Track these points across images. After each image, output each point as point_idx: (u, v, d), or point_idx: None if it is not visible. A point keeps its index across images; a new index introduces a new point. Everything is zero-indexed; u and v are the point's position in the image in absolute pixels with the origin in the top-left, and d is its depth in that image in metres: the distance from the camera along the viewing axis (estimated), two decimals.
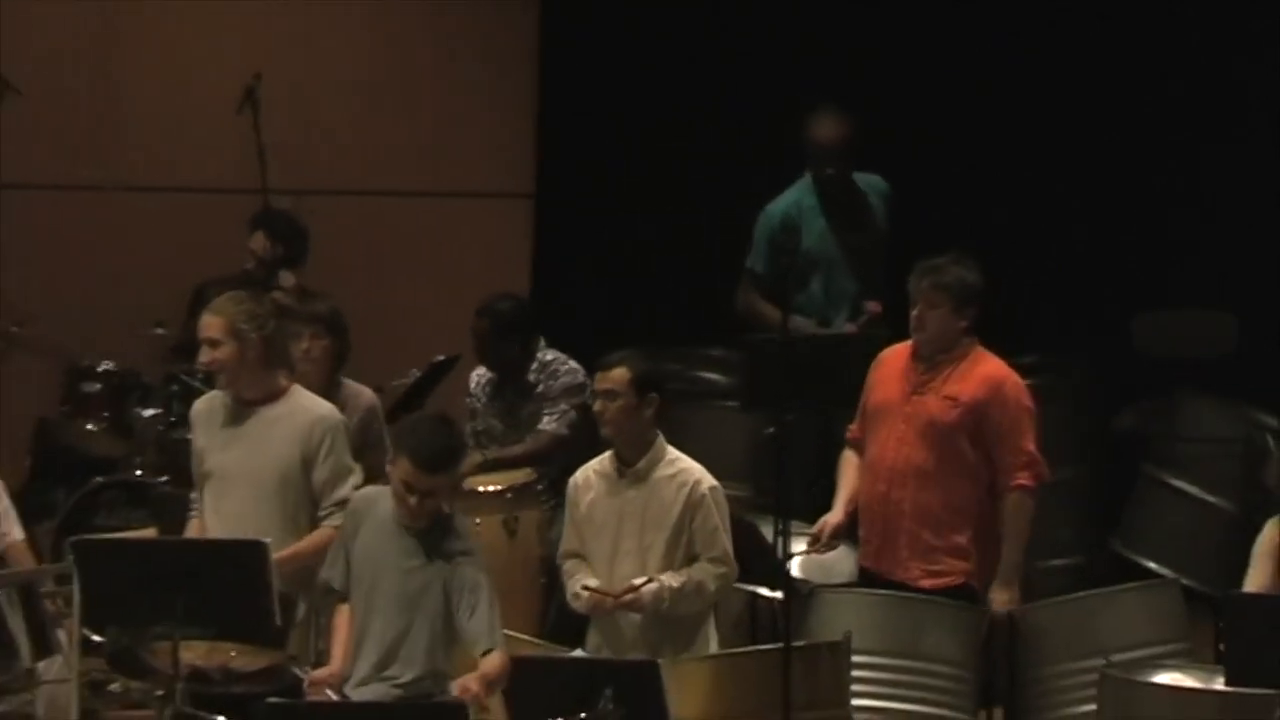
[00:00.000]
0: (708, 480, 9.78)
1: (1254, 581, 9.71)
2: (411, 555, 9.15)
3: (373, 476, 10.45)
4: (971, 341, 10.29)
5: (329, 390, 10.89)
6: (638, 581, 9.65)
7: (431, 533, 9.16)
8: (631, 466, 9.78)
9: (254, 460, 10.09)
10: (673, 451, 9.86)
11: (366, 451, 10.83)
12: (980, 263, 11.55)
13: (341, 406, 10.77)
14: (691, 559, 9.75)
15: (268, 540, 9.45)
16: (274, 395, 10.14)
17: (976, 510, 10.19)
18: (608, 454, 9.93)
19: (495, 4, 14.72)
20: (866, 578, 10.37)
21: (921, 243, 11.63)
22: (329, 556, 9.51)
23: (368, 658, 9.17)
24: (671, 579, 9.63)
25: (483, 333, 12.02)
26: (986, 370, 10.24)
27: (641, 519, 9.79)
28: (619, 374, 9.73)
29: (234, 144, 13.40)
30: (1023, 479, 10.12)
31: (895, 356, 10.42)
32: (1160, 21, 13.95)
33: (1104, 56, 14.04)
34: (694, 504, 9.73)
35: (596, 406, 9.91)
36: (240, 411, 10.08)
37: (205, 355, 10.18)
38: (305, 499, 9.98)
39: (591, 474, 9.94)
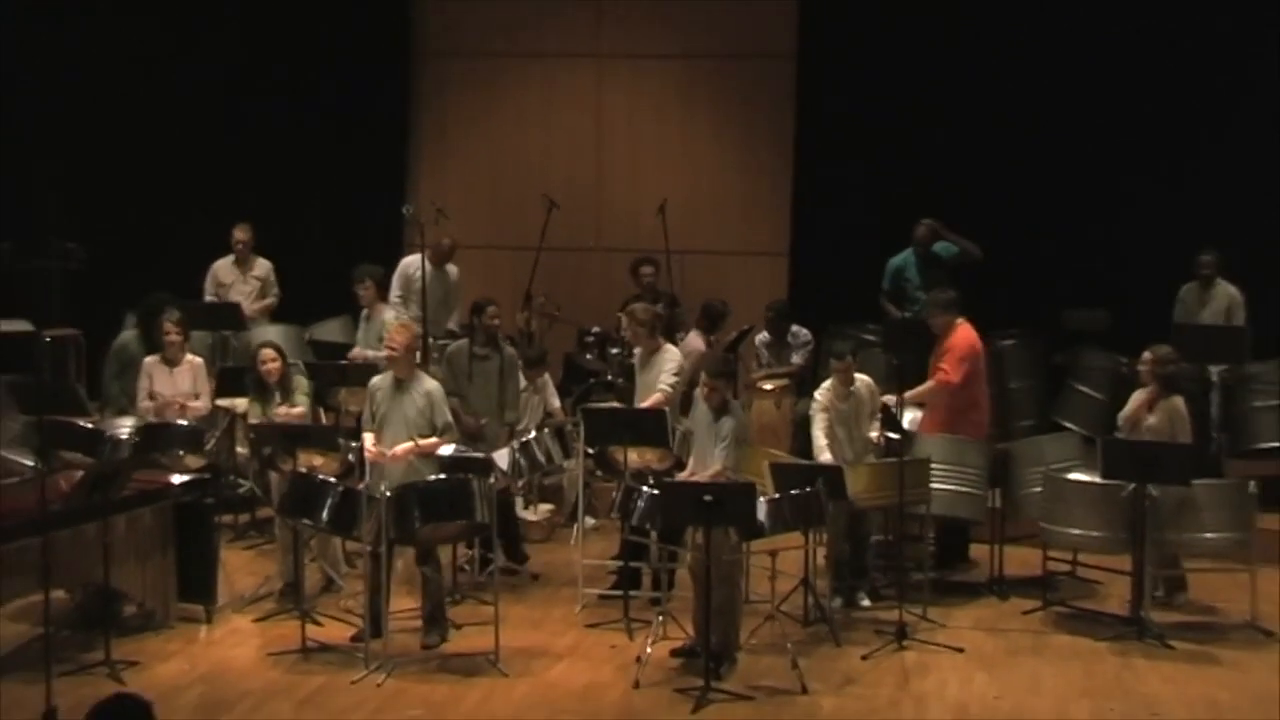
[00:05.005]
0: (870, 381, 9.92)
1: (1125, 410, 9.80)
2: (711, 419, 9.18)
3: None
4: (959, 323, 10.23)
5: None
6: (874, 434, 9.83)
7: (721, 408, 9.17)
8: (850, 386, 9.83)
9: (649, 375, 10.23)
10: (859, 375, 9.94)
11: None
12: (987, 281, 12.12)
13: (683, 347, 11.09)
14: (871, 417, 9.88)
15: (666, 408, 9.72)
16: (658, 347, 10.26)
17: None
18: (831, 381, 9.88)
19: (764, 131, 14.25)
20: None
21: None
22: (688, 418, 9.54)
23: (697, 466, 9.27)
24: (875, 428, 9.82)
25: (770, 317, 12.27)
26: (958, 336, 10.25)
27: (858, 410, 9.83)
28: (850, 361, 9.83)
29: (653, 226, 13.33)
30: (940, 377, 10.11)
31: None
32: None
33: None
34: (874, 394, 9.90)
35: (845, 371, 9.77)
36: (645, 358, 10.26)
37: (627, 331, 10.64)
38: None
39: (829, 392, 9.85)
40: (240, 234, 12.76)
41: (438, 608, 9.10)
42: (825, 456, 9.65)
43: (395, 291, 12.31)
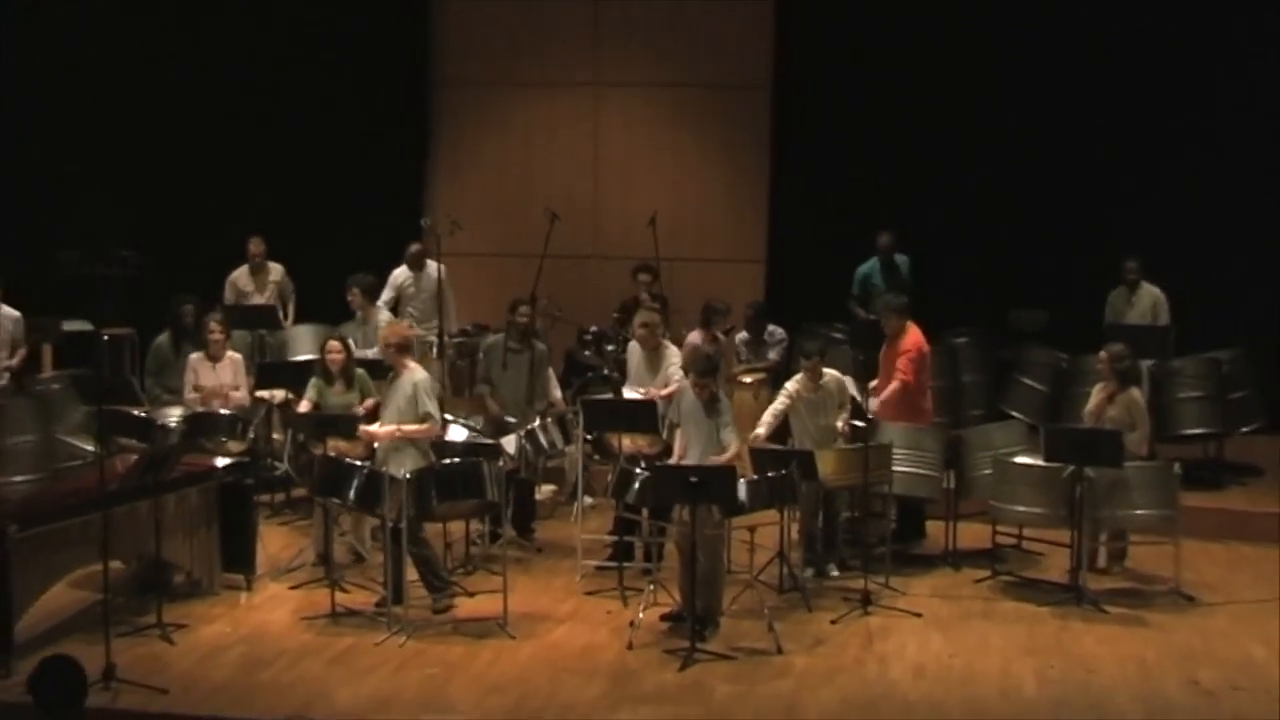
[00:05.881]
0: (840, 376, 9.86)
1: (1089, 406, 9.74)
2: (702, 411, 8.98)
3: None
4: (909, 326, 10.10)
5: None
6: (840, 423, 9.69)
7: (710, 401, 8.98)
8: (820, 380, 9.74)
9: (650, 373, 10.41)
10: (828, 370, 9.87)
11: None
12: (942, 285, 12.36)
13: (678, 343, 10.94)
14: (840, 408, 9.79)
15: (657, 400, 9.73)
16: (658, 345, 10.45)
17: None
18: (801, 376, 9.75)
19: (743, 151, 14.04)
20: None
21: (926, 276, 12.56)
22: (671, 408, 9.24)
23: (690, 455, 9.03)
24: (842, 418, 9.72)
25: (749, 317, 12.00)
26: (909, 339, 10.10)
27: (826, 401, 9.74)
28: (818, 360, 9.67)
29: (645, 236, 13.01)
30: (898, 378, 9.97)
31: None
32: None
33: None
34: (842, 387, 9.81)
35: (813, 369, 9.64)
36: (649, 356, 10.36)
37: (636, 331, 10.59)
38: None
39: (798, 384, 9.77)
40: (254, 246, 12.60)
41: (433, 576, 9.07)
42: (759, 431, 9.63)
43: (384, 296, 12.32)
